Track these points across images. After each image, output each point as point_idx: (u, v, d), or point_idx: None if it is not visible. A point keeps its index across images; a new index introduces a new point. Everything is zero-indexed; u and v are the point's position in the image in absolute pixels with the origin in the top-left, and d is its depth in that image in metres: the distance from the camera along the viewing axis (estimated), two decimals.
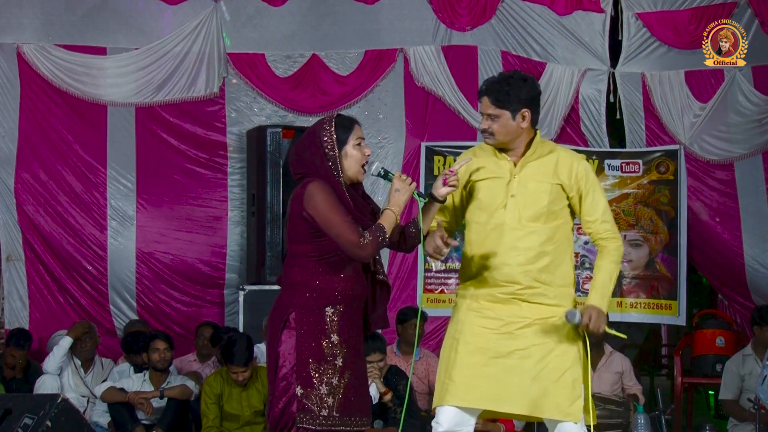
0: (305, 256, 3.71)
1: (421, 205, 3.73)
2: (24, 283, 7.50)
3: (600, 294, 3.77)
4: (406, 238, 3.85)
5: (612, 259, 3.82)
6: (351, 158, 3.73)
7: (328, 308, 3.70)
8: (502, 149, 3.82)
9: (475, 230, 3.86)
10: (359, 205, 3.73)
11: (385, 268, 7.47)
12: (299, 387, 3.67)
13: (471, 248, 3.86)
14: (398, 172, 3.77)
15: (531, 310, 3.74)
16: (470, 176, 3.86)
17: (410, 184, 3.70)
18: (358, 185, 3.79)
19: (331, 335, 3.69)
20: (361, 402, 3.76)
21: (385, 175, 3.73)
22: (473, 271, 3.84)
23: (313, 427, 3.66)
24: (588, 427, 3.79)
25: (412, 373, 6.62)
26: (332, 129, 3.75)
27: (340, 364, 3.68)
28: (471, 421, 3.80)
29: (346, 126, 3.77)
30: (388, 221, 3.67)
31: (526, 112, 3.75)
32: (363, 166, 3.75)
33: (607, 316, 3.85)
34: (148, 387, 6.22)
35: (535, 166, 3.79)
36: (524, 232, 3.74)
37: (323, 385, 3.67)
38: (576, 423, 3.71)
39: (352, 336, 3.73)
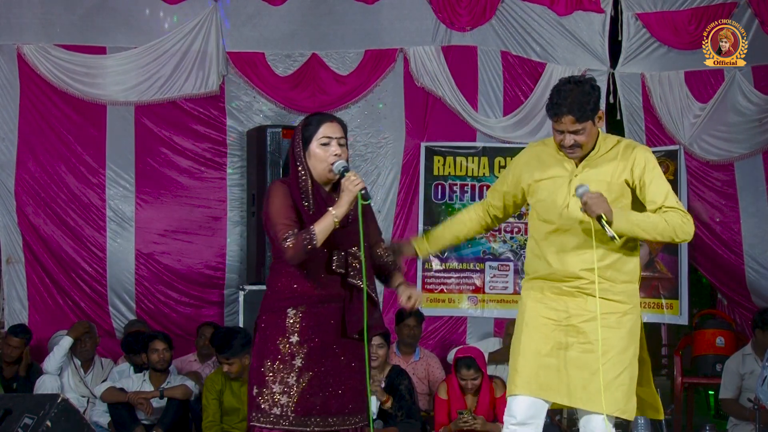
0: (274, 259, 3.76)
1: (360, 206, 3.60)
2: (23, 284, 7.49)
3: (624, 210, 3.70)
4: (381, 268, 3.85)
5: (665, 216, 3.69)
6: (314, 157, 3.68)
7: (289, 309, 3.66)
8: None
9: (538, 228, 3.87)
10: (329, 207, 3.61)
11: None
12: (255, 386, 3.68)
13: (536, 245, 3.88)
14: (350, 172, 3.65)
15: (594, 304, 3.73)
16: (533, 174, 3.88)
17: (356, 185, 3.58)
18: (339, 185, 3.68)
19: (291, 336, 3.64)
20: (327, 403, 3.65)
21: (342, 175, 3.64)
22: (538, 268, 3.86)
23: (265, 426, 3.64)
24: (661, 422, 3.81)
25: (412, 373, 6.63)
26: (300, 127, 3.75)
27: (299, 365, 3.63)
28: (543, 413, 3.81)
29: (312, 124, 3.73)
30: (323, 224, 3.57)
31: (601, 113, 3.78)
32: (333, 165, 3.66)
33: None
34: (148, 387, 6.22)
35: (597, 165, 3.78)
36: (592, 231, 3.71)
37: (277, 384, 3.63)
38: (609, 418, 3.71)
39: (318, 337, 3.65)
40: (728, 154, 7.42)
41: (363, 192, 3.59)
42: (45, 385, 6.40)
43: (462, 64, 7.58)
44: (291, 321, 3.65)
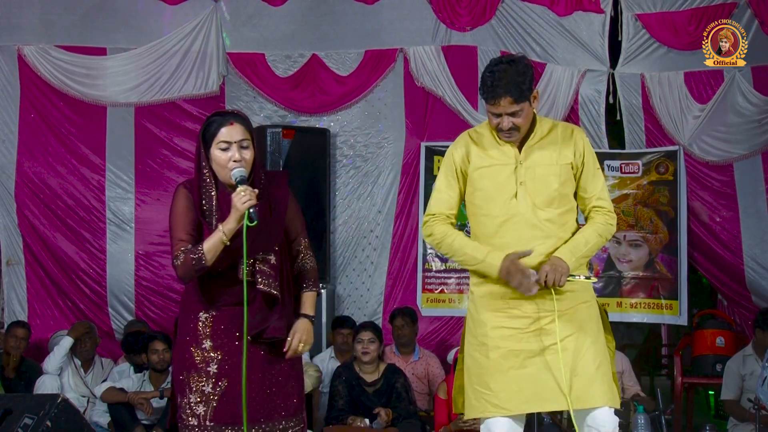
0: None
1: (245, 225, 3.37)
2: (23, 286, 7.51)
3: (567, 249, 3.60)
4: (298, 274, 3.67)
5: (595, 228, 3.66)
6: (216, 161, 3.49)
7: (201, 313, 3.54)
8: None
9: (485, 223, 3.68)
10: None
11: (385, 265, 7.57)
12: (177, 396, 3.58)
13: (481, 242, 3.69)
14: (242, 186, 3.39)
15: (559, 302, 3.60)
16: (472, 161, 3.70)
17: (243, 203, 3.35)
18: (258, 180, 3.51)
19: (204, 342, 3.51)
20: (250, 409, 3.46)
21: (236, 186, 3.43)
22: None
23: None
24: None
25: (411, 373, 6.63)
26: (202, 128, 3.55)
27: (215, 371, 3.50)
28: (520, 428, 3.70)
29: (213, 125, 3.52)
30: (210, 241, 3.41)
31: (537, 93, 3.66)
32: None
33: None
34: (148, 387, 6.22)
35: (540, 148, 3.65)
36: (539, 220, 3.61)
37: (194, 394, 3.50)
38: (611, 408, 3.61)
39: (232, 342, 3.49)
40: (728, 155, 7.41)
41: (251, 211, 3.36)
42: (45, 385, 6.40)
43: (462, 63, 7.58)
44: (202, 325, 3.53)
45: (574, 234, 3.67)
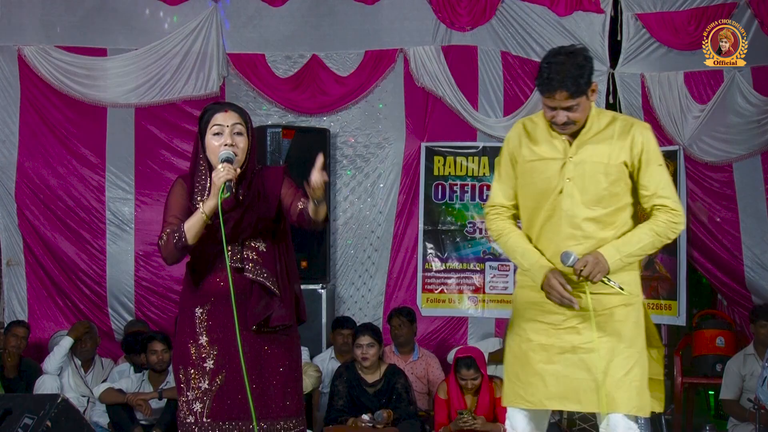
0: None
1: (220, 198, 3.35)
2: (23, 286, 7.52)
3: (614, 246, 3.49)
4: (303, 219, 3.50)
5: (653, 227, 3.52)
6: (209, 149, 3.51)
7: (197, 309, 3.53)
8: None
9: (530, 216, 3.62)
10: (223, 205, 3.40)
11: (386, 265, 7.57)
12: (178, 395, 3.56)
13: (528, 233, 3.63)
14: (226, 162, 3.41)
15: (595, 301, 3.52)
16: (522, 153, 3.62)
17: (219, 177, 3.35)
18: (250, 169, 3.52)
19: (200, 337, 3.50)
20: (247, 406, 3.43)
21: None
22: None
23: None
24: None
25: (411, 372, 6.64)
26: (198, 118, 3.57)
27: (211, 367, 3.48)
28: (544, 423, 3.66)
29: (207, 113, 3.54)
30: (192, 220, 3.42)
31: (595, 86, 3.53)
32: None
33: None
34: (147, 387, 6.23)
35: (592, 144, 3.53)
36: (582, 219, 3.51)
37: (190, 391, 3.49)
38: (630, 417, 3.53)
39: (226, 336, 3.47)
40: (727, 155, 7.41)
41: (227, 184, 3.35)
42: (45, 385, 6.40)
43: (462, 64, 7.58)
44: (198, 320, 3.51)
45: (625, 234, 3.56)
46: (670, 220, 3.54)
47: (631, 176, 3.57)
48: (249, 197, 3.48)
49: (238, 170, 3.44)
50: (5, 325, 7.14)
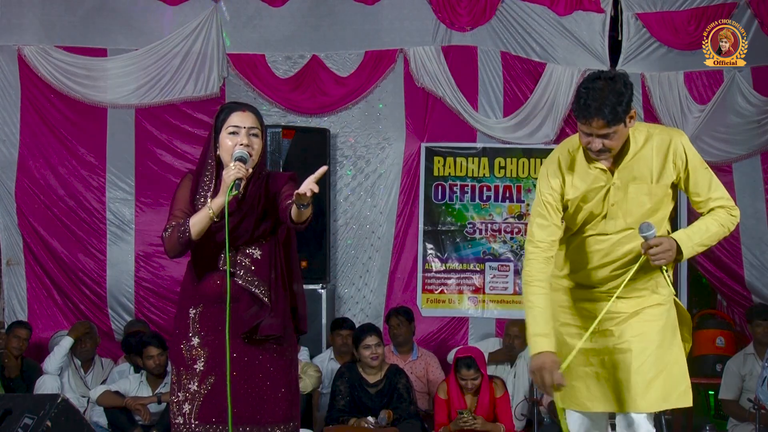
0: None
1: (228, 196, 3.32)
2: (23, 286, 7.52)
3: (686, 234, 3.45)
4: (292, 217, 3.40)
5: (716, 218, 3.49)
6: (223, 148, 3.48)
7: (191, 309, 3.50)
8: None
9: (572, 234, 3.61)
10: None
11: (386, 266, 7.57)
12: (171, 394, 3.55)
13: (568, 250, 3.64)
14: (238, 162, 3.38)
15: (625, 303, 3.53)
16: (564, 194, 3.54)
17: (229, 175, 3.32)
18: (257, 173, 3.49)
19: (192, 338, 3.48)
20: (240, 410, 3.40)
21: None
22: (569, 270, 3.64)
23: None
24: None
25: (410, 372, 6.64)
26: (215, 116, 3.55)
27: (201, 369, 3.45)
28: (603, 423, 3.64)
29: (224, 111, 3.52)
30: (198, 216, 3.40)
31: (634, 113, 3.41)
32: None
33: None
34: (146, 388, 6.21)
35: (633, 167, 3.46)
36: (624, 236, 3.51)
37: (180, 392, 3.47)
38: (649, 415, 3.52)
39: (218, 339, 3.42)
40: (727, 156, 7.41)
41: (236, 182, 3.32)
42: (45, 385, 6.40)
43: (462, 64, 7.58)
44: (191, 321, 3.49)
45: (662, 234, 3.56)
46: (729, 213, 3.52)
47: (674, 185, 3.54)
48: (249, 202, 3.46)
49: (250, 170, 3.42)
50: (5, 325, 7.14)
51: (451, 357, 6.64)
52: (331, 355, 6.87)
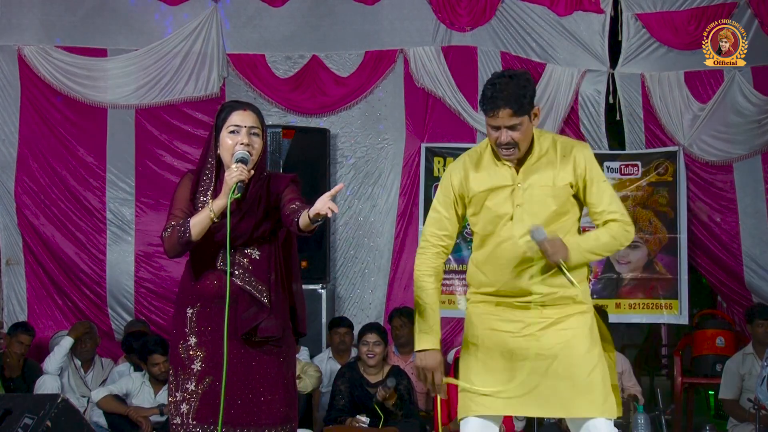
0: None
1: (230, 198, 3.34)
2: (23, 286, 7.52)
3: (576, 240, 3.52)
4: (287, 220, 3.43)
5: (608, 229, 3.55)
6: (223, 147, 3.47)
7: (188, 309, 3.50)
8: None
9: (481, 241, 3.64)
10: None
11: (387, 266, 7.57)
12: (168, 394, 3.55)
13: (481, 258, 3.64)
14: (240, 163, 3.39)
15: (551, 310, 3.56)
16: (470, 186, 3.62)
17: (232, 176, 3.33)
18: (258, 173, 3.49)
19: (190, 338, 3.47)
20: (233, 411, 3.40)
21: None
22: (485, 281, 3.64)
23: None
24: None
25: (411, 372, 6.64)
26: (216, 114, 3.55)
27: (198, 369, 3.44)
28: (495, 429, 3.61)
29: (225, 110, 3.52)
30: (199, 216, 3.39)
31: (537, 110, 3.55)
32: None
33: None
34: (148, 388, 6.17)
35: (538, 169, 3.56)
36: (532, 242, 3.51)
37: (179, 392, 3.46)
38: (608, 419, 3.51)
39: (215, 339, 3.42)
40: (727, 155, 7.41)
41: (238, 184, 3.34)
42: (45, 385, 6.39)
43: (462, 64, 7.58)
44: (189, 321, 3.49)
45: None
46: (622, 227, 3.58)
47: (575, 196, 3.60)
48: (249, 203, 3.45)
49: (252, 171, 3.42)
50: (4, 325, 7.14)
51: (451, 357, 6.64)
52: (330, 354, 6.87)
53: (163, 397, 6.12)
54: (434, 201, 3.78)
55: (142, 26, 7.67)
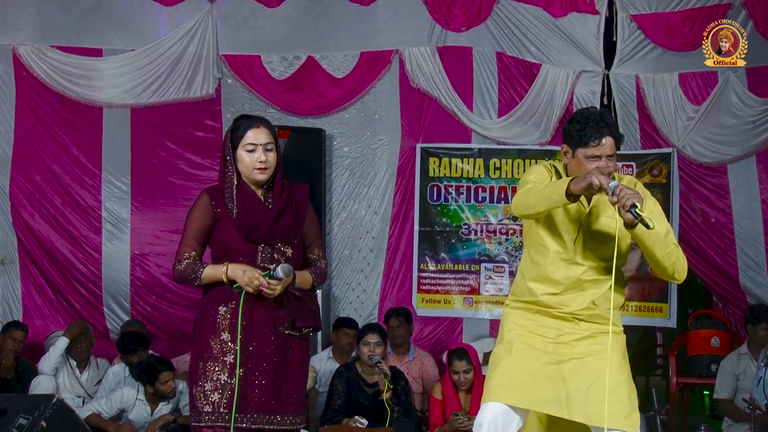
0: (211, 257, 3.85)
1: (243, 298, 3.70)
2: (18, 286, 7.50)
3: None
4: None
5: (678, 247, 3.57)
6: (241, 162, 3.75)
7: (221, 307, 3.74)
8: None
9: (541, 252, 3.69)
10: (254, 209, 3.74)
11: (381, 266, 7.58)
12: (192, 386, 3.75)
13: (533, 268, 3.70)
14: (275, 281, 3.69)
15: (587, 324, 3.65)
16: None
17: (252, 284, 3.66)
18: (273, 184, 3.80)
19: (222, 333, 3.71)
20: (263, 400, 3.70)
21: (270, 275, 3.72)
22: (531, 291, 3.71)
23: (201, 425, 3.68)
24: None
25: (406, 372, 6.63)
26: (229, 131, 3.79)
27: (231, 361, 3.68)
28: (515, 423, 3.63)
29: (240, 128, 3.76)
30: (212, 271, 3.72)
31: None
32: (259, 170, 3.72)
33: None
34: (144, 405, 6.09)
35: (605, 203, 3.56)
36: (590, 266, 3.63)
37: (208, 382, 3.68)
38: None
39: (250, 335, 3.71)
40: (722, 157, 7.42)
41: (244, 290, 3.69)
42: (40, 385, 6.38)
43: (457, 64, 7.58)
44: (221, 318, 3.72)
45: (620, 273, 3.67)
46: (683, 256, 3.63)
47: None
48: (281, 204, 3.75)
49: (277, 289, 3.69)
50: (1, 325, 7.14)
51: (445, 358, 6.64)
52: (330, 354, 6.86)
53: (160, 413, 6.07)
54: (527, 178, 3.71)
55: (137, 26, 7.66)
